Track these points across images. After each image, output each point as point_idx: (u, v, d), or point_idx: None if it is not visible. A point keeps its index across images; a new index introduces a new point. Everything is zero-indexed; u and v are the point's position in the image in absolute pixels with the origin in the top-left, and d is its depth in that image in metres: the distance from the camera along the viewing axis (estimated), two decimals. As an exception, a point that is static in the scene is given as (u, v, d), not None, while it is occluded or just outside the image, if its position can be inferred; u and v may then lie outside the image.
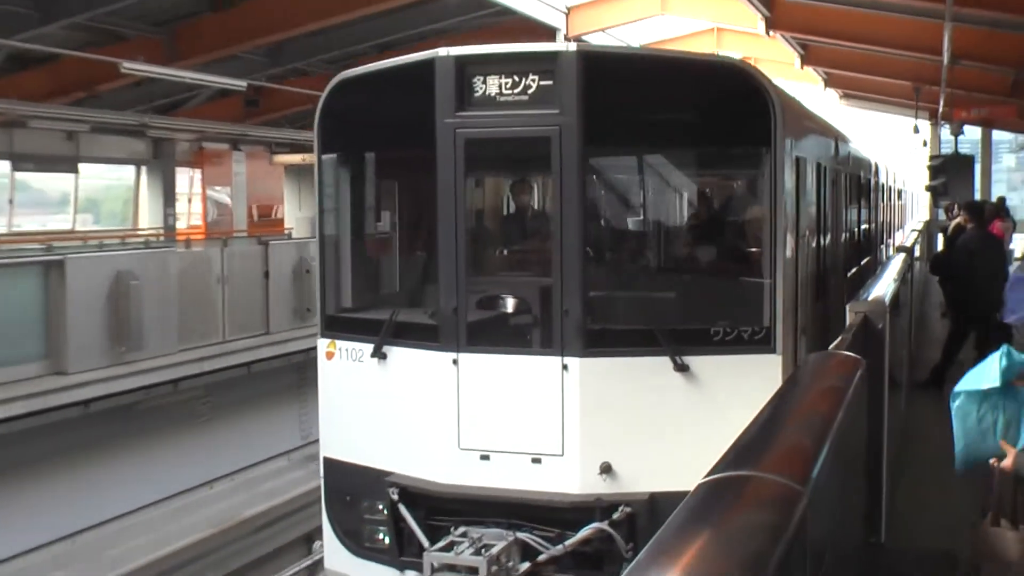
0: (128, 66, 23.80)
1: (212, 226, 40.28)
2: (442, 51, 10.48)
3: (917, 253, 22.22)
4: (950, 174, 31.96)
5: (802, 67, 36.16)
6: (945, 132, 36.07)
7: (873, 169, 24.18)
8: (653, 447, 10.10)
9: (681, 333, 10.21)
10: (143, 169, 38.21)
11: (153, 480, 20.27)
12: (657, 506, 9.77)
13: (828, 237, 15.49)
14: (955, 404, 7.57)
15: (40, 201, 38.19)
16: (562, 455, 10.11)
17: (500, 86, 10.23)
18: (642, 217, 13.40)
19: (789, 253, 10.61)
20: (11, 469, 17.97)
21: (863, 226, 23.17)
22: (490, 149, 11.12)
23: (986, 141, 44.83)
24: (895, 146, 47.65)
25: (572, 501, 10.05)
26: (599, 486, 10.02)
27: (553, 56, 10.28)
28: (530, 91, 10.16)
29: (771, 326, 10.08)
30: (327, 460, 11.77)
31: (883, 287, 10.88)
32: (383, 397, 11.12)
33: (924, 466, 11.64)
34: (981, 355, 15.74)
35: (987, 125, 39.69)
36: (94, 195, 39.41)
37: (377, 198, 13.11)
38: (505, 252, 12.85)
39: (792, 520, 3.50)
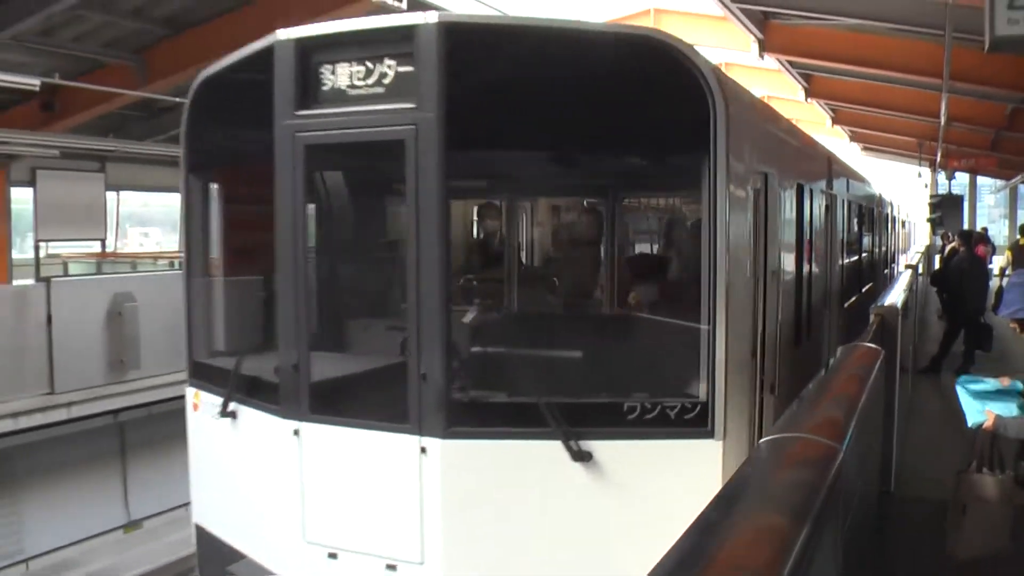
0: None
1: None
2: (282, 33, 6.55)
3: (920, 270, 21.82)
4: (945, 209, 31.48)
5: (832, 126, 36.36)
6: (941, 177, 35.50)
7: (878, 200, 21.77)
8: (543, 560, 6.10)
9: (583, 409, 6.07)
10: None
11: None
12: None
13: (816, 268, 11.01)
14: (960, 387, 7.45)
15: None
16: (422, 563, 6.19)
17: (351, 75, 6.34)
18: (531, 247, 9.17)
19: (741, 294, 6.49)
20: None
21: (864, 253, 18.38)
22: (338, 157, 7.21)
23: (972, 185, 44.36)
24: (903, 187, 46.94)
25: None
26: None
27: (409, 32, 6.09)
28: (386, 80, 6.22)
29: (708, 400, 5.93)
30: (198, 528, 7.89)
31: (895, 296, 10.69)
32: (237, 465, 7.32)
33: (924, 433, 11.46)
34: (968, 348, 15.77)
35: (973, 172, 39.33)
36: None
37: (251, 222, 8.29)
38: (365, 292, 8.62)
39: (831, 470, 3.49)
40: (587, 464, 5.92)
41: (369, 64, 6.29)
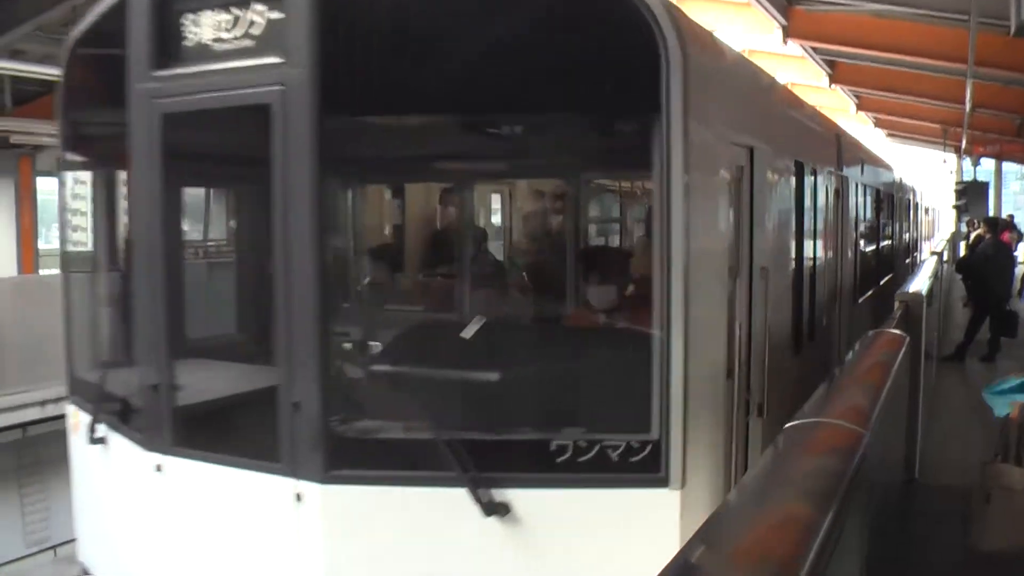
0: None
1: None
2: None
3: (945, 257, 21.69)
4: (970, 196, 31.41)
5: (856, 112, 36.15)
6: (967, 163, 35.35)
7: (899, 186, 20.75)
8: None
9: (497, 448, 4.74)
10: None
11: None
12: None
13: (822, 261, 9.56)
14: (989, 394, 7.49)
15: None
16: None
17: (217, 26, 4.99)
18: (431, 238, 7.51)
19: (709, 297, 5.20)
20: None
21: (883, 242, 16.91)
22: (201, 128, 5.55)
23: (998, 171, 44.08)
24: (927, 173, 46.71)
25: None
26: None
27: None
28: (255, 30, 4.88)
29: (662, 436, 4.59)
30: (83, 569, 6.44)
31: (920, 283, 10.58)
32: (109, 500, 5.93)
33: (949, 420, 11.39)
34: (993, 334, 15.73)
35: (999, 158, 39.09)
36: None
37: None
38: (245, 295, 7.20)
39: (856, 456, 3.47)
40: (504, 519, 4.61)
41: (236, 11, 4.98)
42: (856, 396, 4.59)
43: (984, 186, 33.50)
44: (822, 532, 2.63)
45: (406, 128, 5.61)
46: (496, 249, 7.57)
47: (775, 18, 20.81)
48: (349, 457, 4.77)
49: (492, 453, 4.70)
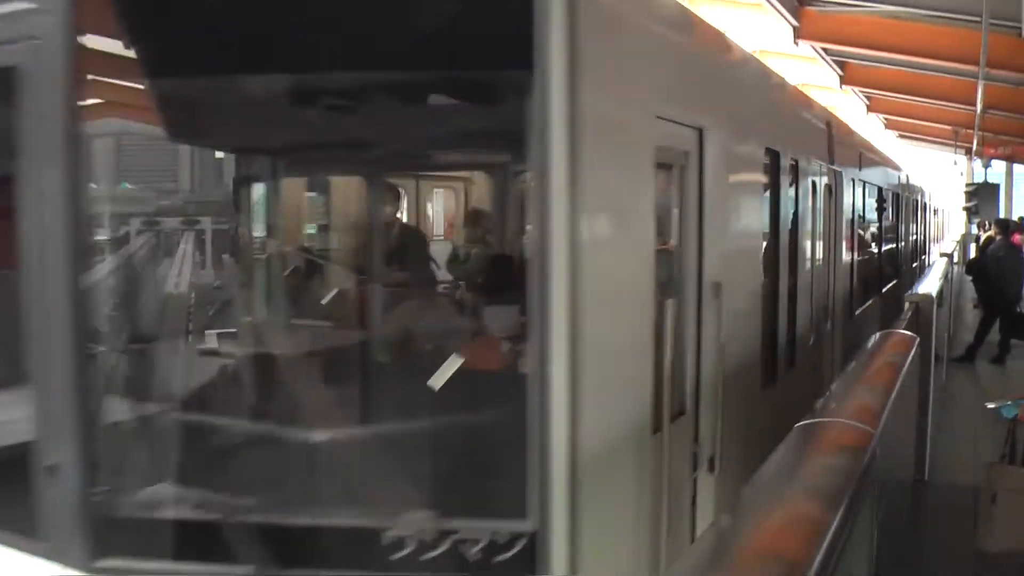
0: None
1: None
2: None
3: (956, 259, 21.66)
4: (981, 198, 31.37)
5: (867, 114, 36.07)
6: (977, 165, 35.28)
7: (906, 185, 19.93)
8: None
9: (312, 537, 3.54)
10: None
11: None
12: None
13: (807, 270, 8.23)
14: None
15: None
16: None
17: None
18: (236, 241, 5.81)
19: (620, 326, 3.97)
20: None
21: (886, 246, 15.58)
22: None
23: (1009, 173, 44.00)
24: (938, 175, 46.69)
25: None
26: None
27: None
28: None
29: (539, 526, 3.28)
30: None
31: (930, 284, 10.56)
32: None
33: (958, 421, 11.39)
34: (1004, 336, 15.74)
35: (1010, 160, 38.94)
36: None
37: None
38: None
39: (867, 453, 3.48)
40: None
41: None
42: (866, 396, 4.61)
43: (995, 188, 33.44)
44: (832, 530, 2.64)
45: (202, 93, 4.16)
46: (323, 257, 5.95)
47: (786, 19, 20.78)
48: (121, 542, 3.56)
49: (304, 543, 3.53)
